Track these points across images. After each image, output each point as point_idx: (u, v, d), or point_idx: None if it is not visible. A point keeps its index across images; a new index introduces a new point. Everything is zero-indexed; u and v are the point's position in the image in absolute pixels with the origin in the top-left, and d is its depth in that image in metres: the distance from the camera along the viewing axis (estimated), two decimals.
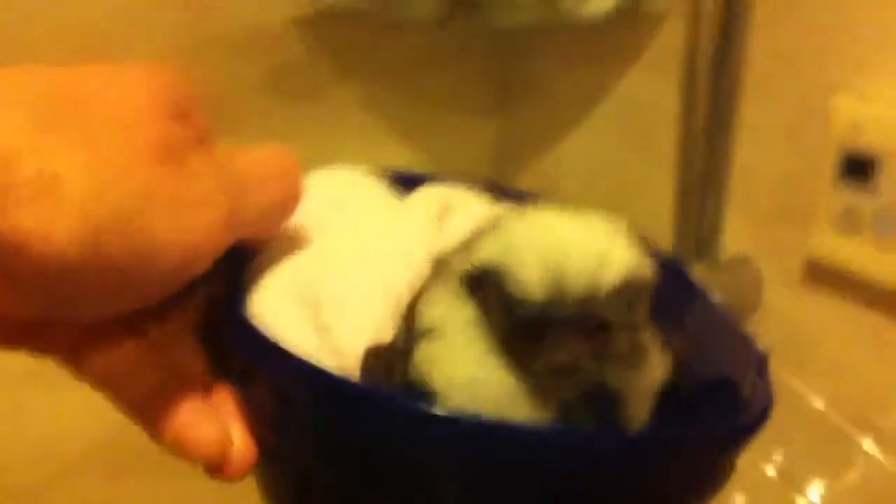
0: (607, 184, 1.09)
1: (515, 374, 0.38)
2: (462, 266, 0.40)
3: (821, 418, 0.81)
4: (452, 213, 0.51)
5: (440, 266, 0.42)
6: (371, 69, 1.15)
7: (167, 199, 0.34)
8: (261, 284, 0.43)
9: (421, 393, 0.38)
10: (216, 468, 0.40)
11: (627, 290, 0.38)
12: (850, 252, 0.80)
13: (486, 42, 1.21)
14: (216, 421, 0.40)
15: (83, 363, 0.41)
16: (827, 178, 0.80)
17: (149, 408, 0.41)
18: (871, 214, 0.77)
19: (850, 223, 0.79)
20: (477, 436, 0.35)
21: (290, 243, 0.44)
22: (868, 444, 0.79)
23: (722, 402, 0.43)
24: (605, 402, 0.39)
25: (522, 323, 0.38)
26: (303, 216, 0.44)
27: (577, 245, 0.38)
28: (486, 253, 0.39)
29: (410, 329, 0.39)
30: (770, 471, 0.80)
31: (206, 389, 0.42)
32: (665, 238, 0.93)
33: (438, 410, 0.36)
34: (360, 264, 0.43)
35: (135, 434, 0.42)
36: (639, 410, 0.41)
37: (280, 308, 0.42)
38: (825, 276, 0.84)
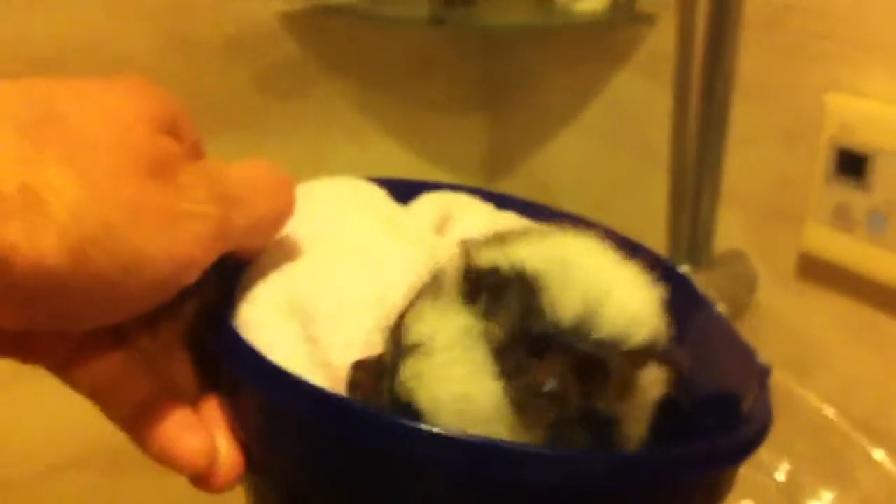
0: (599, 184, 1.09)
1: (505, 391, 0.37)
2: (477, 262, 0.40)
3: (820, 418, 0.81)
4: (454, 222, 0.51)
5: (433, 279, 0.41)
6: (361, 68, 1.15)
7: (155, 212, 0.34)
8: (251, 296, 0.43)
9: (406, 410, 0.37)
10: (203, 480, 0.40)
11: (641, 355, 0.39)
12: (843, 248, 0.80)
13: (478, 41, 1.21)
14: (203, 432, 0.40)
15: (72, 374, 0.41)
16: (820, 176, 0.80)
17: (136, 418, 0.40)
18: (864, 211, 0.77)
19: (842, 220, 0.79)
20: (464, 453, 0.34)
21: (283, 255, 0.44)
22: (861, 439, 0.79)
23: (723, 415, 0.42)
24: (598, 422, 0.39)
25: (530, 336, 0.37)
26: (297, 226, 0.44)
27: (621, 293, 0.38)
28: (527, 256, 0.39)
29: (398, 344, 0.39)
30: (779, 476, 0.80)
31: (195, 400, 0.42)
32: (658, 237, 0.93)
33: (425, 427, 0.36)
34: (352, 277, 0.43)
35: None
36: (635, 429, 0.40)
37: (270, 320, 0.42)
38: (818, 273, 0.85)
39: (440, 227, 0.51)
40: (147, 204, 0.34)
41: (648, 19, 0.95)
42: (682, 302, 0.45)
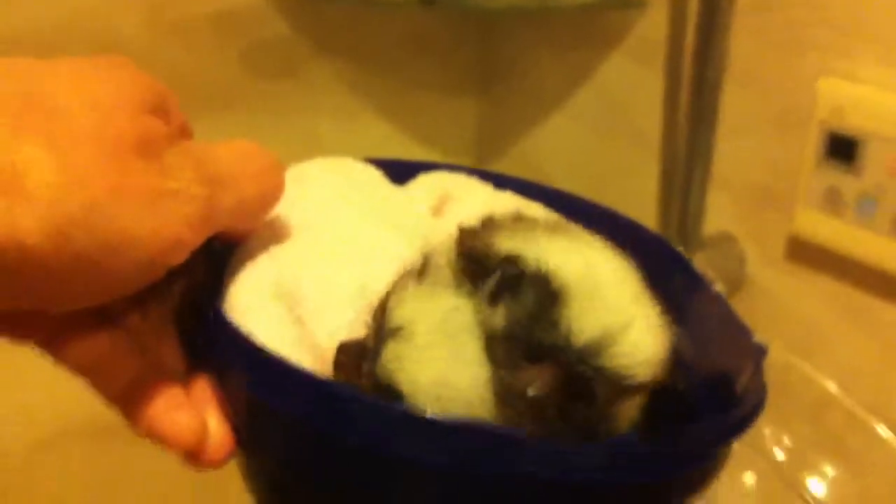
0: (590, 167, 1.09)
1: (486, 375, 0.38)
2: (488, 250, 0.40)
3: (822, 395, 0.81)
4: (453, 203, 0.51)
5: (421, 263, 0.41)
6: (352, 48, 1.15)
7: (139, 192, 0.34)
8: (239, 278, 0.43)
9: (387, 392, 0.38)
10: (193, 457, 0.40)
11: (635, 391, 0.39)
12: (833, 232, 0.80)
13: (470, 24, 1.21)
14: (192, 410, 0.40)
15: (60, 352, 0.41)
16: (811, 160, 0.81)
17: (126, 395, 0.41)
18: (854, 195, 0.78)
19: (833, 204, 0.80)
20: (446, 436, 0.35)
21: (272, 238, 0.44)
22: (863, 415, 0.79)
23: (718, 394, 0.43)
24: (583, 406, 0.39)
25: (534, 339, 0.37)
26: (288, 209, 0.44)
27: (639, 332, 0.38)
28: (559, 263, 0.39)
29: (380, 327, 0.39)
30: (780, 452, 0.81)
31: (184, 379, 0.42)
32: (649, 220, 0.93)
33: (408, 410, 0.36)
34: (337, 266, 0.43)
35: None
36: (627, 410, 0.40)
37: (258, 302, 0.42)
38: (808, 256, 0.85)
39: (438, 209, 0.51)
40: (131, 184, 0.33)
41: (640, 4, 0.94)
42: (680, 281, 0.45)
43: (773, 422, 0.80)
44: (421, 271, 0.41)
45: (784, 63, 0.83)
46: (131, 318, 0.42)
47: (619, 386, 0.38)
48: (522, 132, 1.18)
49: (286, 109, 1.12)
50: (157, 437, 0.40)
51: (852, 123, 0.77)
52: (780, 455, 0.80)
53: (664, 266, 0.42)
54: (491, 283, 0.39)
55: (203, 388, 0.41)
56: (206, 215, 0.36)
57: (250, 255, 0.44)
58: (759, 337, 0.44)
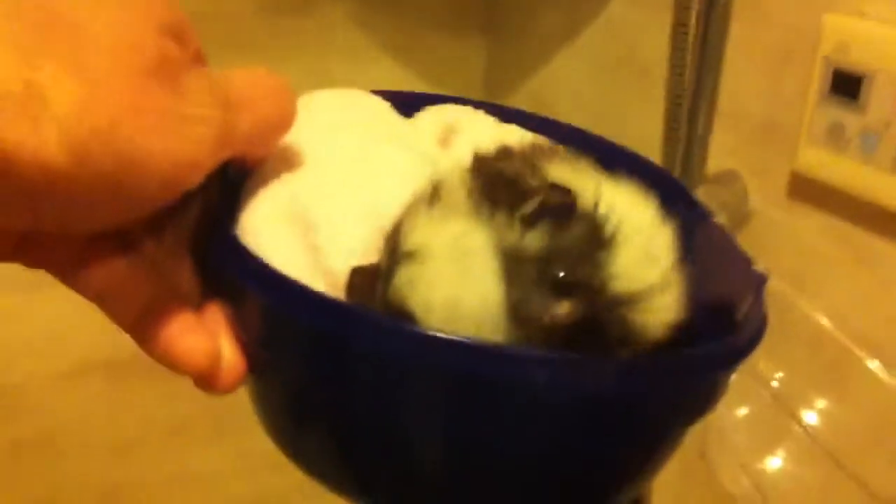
0: (596, 105, 1.09)
1: (497, 298, 0.38)
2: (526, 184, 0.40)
3: (816, 329, 0.82)
4: (458, 134, 0.51)
5: (432, 188, 0.42)
6: None
7: (157, 113, 0.34)
8: (253, 203, 0.43)
9: (399, 315, 0.38)
10: (205, 381, 0.41)
11: (646, 344, 0.39)
12: (836, 168, 0.81)
13: None
14: (206, 334, 0.41)
15: (77, 277, 0.42)
16: (815, 96, 0.80)
17: (141, 321, 0.41)
18: (858, 131, 0.78)
19: (836, 140, 0.79)
20: (458, 354, 0.35)
21: (284, 163, 0.44)
22: (856, 350, 0.80)
23: (719, 322, 0.43)
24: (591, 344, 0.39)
25: (570, 274, 0.38)
26: (299, 136, 0.44)
27: (674, 292, 0.39)
28: (621, 210, 0.39)
29: (393, 251, 0.40)
30: (774, 384, 0.81)
31: (199, 304, 0.42)
32: (653, 154, 0.93)
33: (416, 328, 0.37)
34: (349, 185, 0.43)
35: None
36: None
37: (272, 227, 0.42)
38: (810, 192, 0.85)
39: (444, 140, 0.51)
40: (149, 103, 0.34)
41: None
42: (682, 212, 0.46)
43: (767, 355, 0.80)
44: (433, 197, 0.41)
45: None
46: (147, 243, 0.43)
47: (633, 338, 0.38)
48: (529, 69, 1.18)
49: (295, 47, 1.11)
50: (171, 361, 0.40)
51: (857, 59, 0.77)
52: (774, 387, 0.81)
53: (667, 198, 0.42)
54: (531, 205, 0.39)
55: (216, 313, 0.42)
56: (220, 138, 0.37)
57: (263, 182, 0.44)
58: (759, 265, 0.44)
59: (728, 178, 0.90)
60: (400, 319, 0.38)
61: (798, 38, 0.82)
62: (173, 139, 0.35)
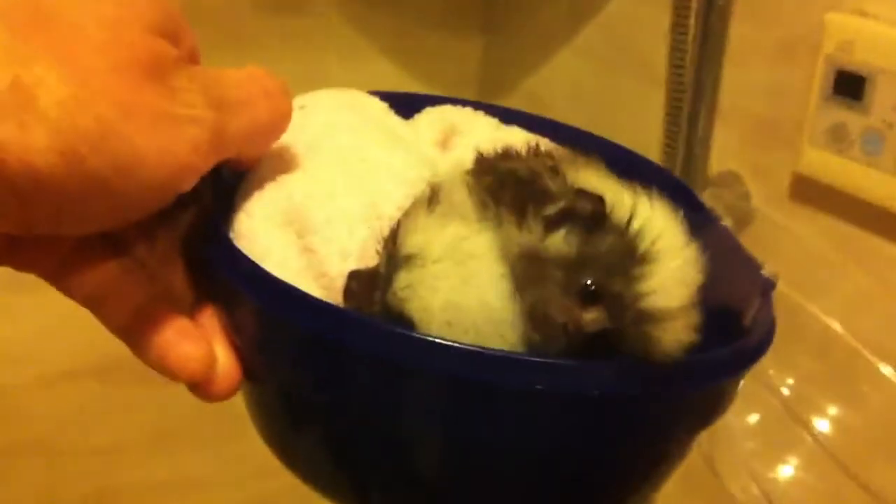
0: (595, 104, 1.09)
1: (498, 302, 0.37)
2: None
3: (826, 334, 0.82)
4: (459, 137, 0.50)
5: (431, 191, 0.41)
6: None
7: (149, 114, 0.34)
8: (248, 205, 0.43)
9: (398, 320, 0.38)
10: (200, 387, 0.40)
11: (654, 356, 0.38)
12: (838, 169, 0.80)
13: None
14: (200, 340, 0.40)
15: (67, 281, 0.41)
16: (817, 95, 0.80)
17: (133, 326, 0.41)
18: (861, 132, 0.77)
19: (838, 141, 0.79)
20: (457, 360, 0.35)
21: (279, 165, 0.44)
22: (867, 355, 0.79)
23: (726, 327, 0.42)
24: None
25: (600, 283, 0.37)
26: (294, 137, 0.44)
27: (695, 315, 0.38)
28: (658, 225, 0.38)
29: (392, 255, 0.39)
30: (784, 391, 0.81)
31: (192, 308, 0.42)
32: (653, 154, 0.93)
33: (414, 334, 0.36)
34: (345, 186, 0.43)
35: None
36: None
37: (265, 230, 0.42)
38: (813, 194, 0.85)
39: (444, 142, 0.51)
40: (141, 104, 0.33)
41: None
42: (689, 216, 0.45)
43: (777, 360, 0.80)
44: (431, 200, 0.40)
45: None
46: (139, 247, 0.42)
47: (649, 355, 0.37)
48: (527, 68, 1.18)
49: (290, 45, 1.11)
50: (165, 368, 0.40)
51: (860, 59, 0.76)
52: (784, 394, 0.81)
53: (669, 199, 0.41)
54: (554, 207, 0.38)
55: (210, 318, 0.41)
56: (214, 140, 0.36)
57: (258, 184, 0.43)
58: (767, 269, 0.44)
59: (729, 180, 0.90)
60: (398, 325, 0.37)
61: (800, 38, 0.82)
62: (165, 141, 0.34)
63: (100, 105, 0.32)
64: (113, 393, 1.13)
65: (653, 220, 0.38)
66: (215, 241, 0.41)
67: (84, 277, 0.41)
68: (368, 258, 0.41)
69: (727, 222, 0.49)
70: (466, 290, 0.37)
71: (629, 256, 0.37)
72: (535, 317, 0.37)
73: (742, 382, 0.41)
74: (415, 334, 0.36)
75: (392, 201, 0.42)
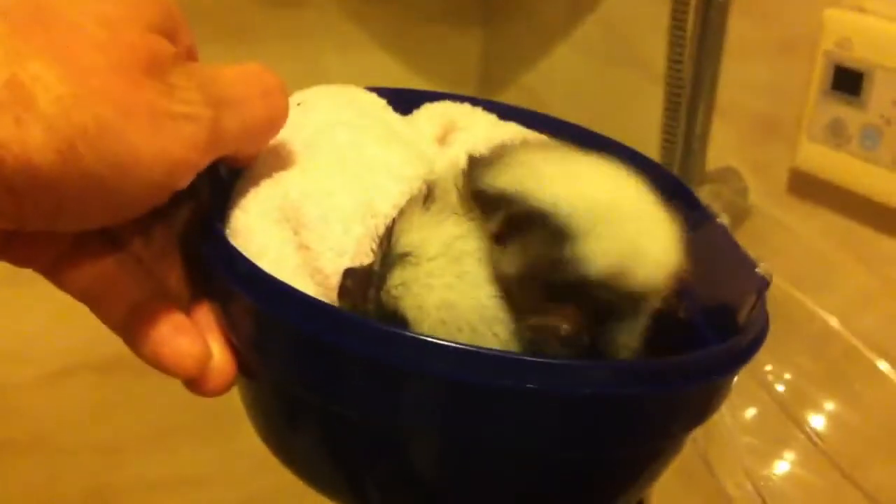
0: (593, 99, 1.09)
1: (491, 298, 0.37)
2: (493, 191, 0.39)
3: (823, 330, 0.82)
4: (457, 133, 0.50)
5: (427, 189, 0.41)
6: None
7: (146, 111, 0.33)
8: (245, 202, 0.43)
9: (392, 318, 0.38)
10: (195, 383, 0.40)
11: (659, 299, 0.38)
12: (837, 164, 0.80)
13: None
14: (196, 335, 0.40)
15: (64, 277, 0.41)
16: (816, 91, 0.80)
17: (129, 321, 0.41)
18: (859, 128, 0.77)
19: (836, 136, 0.79)
20: (449, 360, 0.35)
21: (276, 162, 0.44)
22: (864, 351, 0.79)
23: (721, 325, 0.42)
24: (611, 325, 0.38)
25: (551, 282, 0.37)
26: (291, 134, 0.43)
27: (658, 247, 0.38)
28: (559, 194, 0.38)
29: (386, 253, 0.39)
30: (781, 387, 0.81)
31: (188, 305, 0.42)
32: (651, 150, 0.93)
33: (408, 334, 0.36)
34: (340, 183, 0.43)
35: None
36: (627, 338, 0.40)
37: (261, 227, 0.42)
38: (811, 189, 0.85)
39: (442, 138, 0.50)
40: (138, 102, 0.33)
41: None
42: (683, 211, 0.45)
43: (774, 357, 0.80)
44: (427, 198, 0.40)
45: None
46: (136, 243, 0.42)
47: (640, 302, 0.38)
48: (526, 62, 1.17)
49: (289, 38, 1.11)
50: (161, 363, 0.40)
51: (858, 55, 0.76)
52: (781, 390, 0.81)
53: (667, 196, 0.41)
54: (495, 222, 0.38)
55: (206, 315, 0.41)
56: (211, 137, 0.36)
57: (255, 181, 0.43)
58: (762, 267, 0.44)
59: (727, 175, 0.90)
60: (392, 324, 0.37)
61: (799, 34, 0.82)
62: (162, 138, 0.34)
63: (98, 103, 0.32)
64: (112, 389, 1.12)
65: (563, 190, 0.38)
66: (210, 239, 0.40)
67: (80, 273, 0.41)
68: (364, 255, 0.41)
69: (724, 219, 0.49)
70: (461, 289, 0.38)
71: (558, 240, 0.37)
72: (533, 341, 0.37)
73: (738, 378, 0.41)
74: (408, 334, 0.36)
75: (388, 198, 0.42)
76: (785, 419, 0.79)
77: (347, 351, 0.36)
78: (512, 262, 0.37)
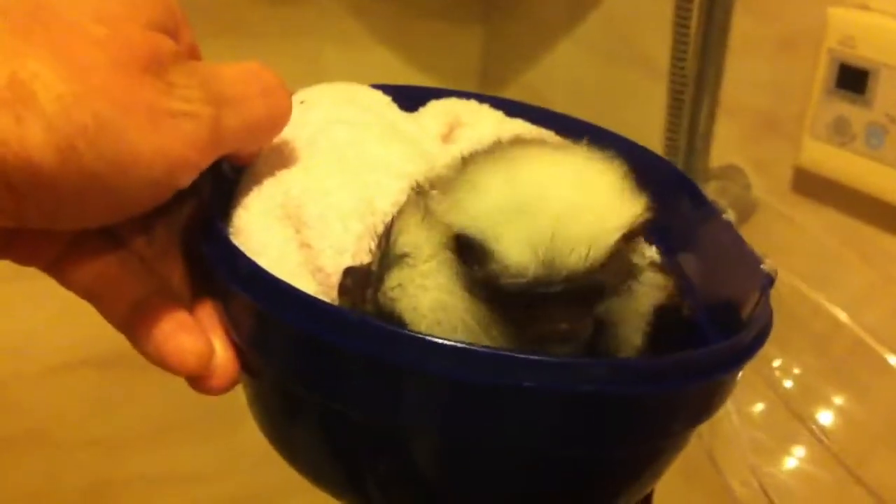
0: (596, 96, 1.09)
1: (487, 298, 0.37)
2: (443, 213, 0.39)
3: (832, 325, 0.81)
4: (463, 129, 0.50)
5: (427, 187, 0.41)
6: None
7: (147, 110, 0.33)
8: (246, 201, 0.43)
9: (389, 319, 0.37)
10: (198, 381, 0.40)
11: (624, 245, 0.37)
12: (841, 163, 0.80)
13: None
14: (198, 333, 0.40)
15: (66, 274, 0.41)
16: (820, 89, 0.80)
17: (132, 318, 0.41)
18: (864, 126, 0.77)
19: (841, 134, 0.79)
20: (449, 358, 0.34)
21: (278, 160, 0.44)
22: (873, 345, 0.79)
23: (725, 321, 0.42)
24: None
25: (510, 295, 0.36)
26: (293, 132, 0.43)
27: (568, 208, 0.36)
28: (465, 216, 0.37)
29: (385, 253, 0.39)
30: (789, 382, 0.81)
31: (191, 303, 0.42)
32: (655, 148, 0.92)
33: (413, 332, 0.36)
34: (346, 182, 0.42)
35: None
36: (629, 335, 0.40)
37: (263, 225, 0.42)
38: (814, 187, 0.85)
39: (448, 135, 0.50)
40: (138, 100, 0.33)
41: None
42: (691, 209, 0.45)
43: (781, 352, 0.80)
44: (426, 197, 0.40)
45: None
46: (138, 241, 0.42)
47: (609, 265, 0.36)
48: (527, 59, 1.17)
49: (289, 34, 1.11)
50: (163, 361, 0.40)
51: (863, 54, 0.76)
52: (788, 386, 0.81)
53: (673, 192, 0.41)
54: (453, 258, 0.38)
55: (209, 313, 0.41)
56: (212, 136, 0.36)
57: (257, 179, 0.43)
58: (767, 263, 0.43)
59: (731, 173, 0.90)
60: (388, 323, 0.37)
61: (803, 31, 0.82)
62: (162, 136, 0.34)
63: (98, 101, 0.32)
64: (113, 385, 1.13)
65: (466, 202, 0.37)
66: (212, 237, 0.40)
67: (82, 271, 0.41)
68: (364, 253, 0.41)
69: (731, 215, 0.48)
70: (455, 290, 0.37)
71: (480, 257, 0.36)
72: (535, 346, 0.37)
73: (744, 374, 0.41)
74: (408, 332, 0.36)
75: (388, 196, 0.42)
76: (791, 415, 0.79)
77: (348, 350, 0.36)
78: (476, 286, 0.37)
